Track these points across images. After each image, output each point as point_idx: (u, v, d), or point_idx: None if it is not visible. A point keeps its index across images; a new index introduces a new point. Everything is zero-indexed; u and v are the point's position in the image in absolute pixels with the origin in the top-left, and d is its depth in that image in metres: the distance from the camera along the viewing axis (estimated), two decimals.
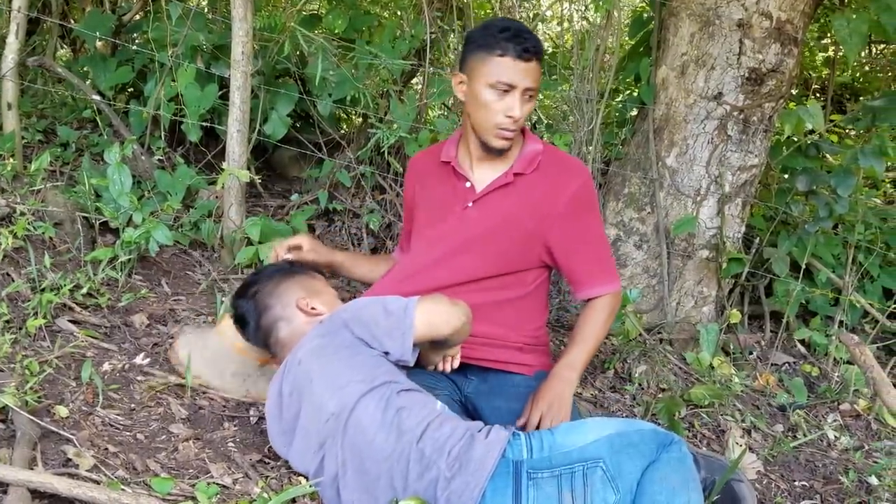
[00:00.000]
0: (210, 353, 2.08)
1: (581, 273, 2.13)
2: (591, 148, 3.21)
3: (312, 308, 1.88)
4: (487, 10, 4.35)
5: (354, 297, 2.47)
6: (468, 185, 2.10)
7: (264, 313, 1.88)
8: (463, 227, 2.08)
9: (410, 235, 2.28)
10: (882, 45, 4.99)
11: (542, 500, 1.52)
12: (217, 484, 1.64)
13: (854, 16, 2.87)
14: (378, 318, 1.74)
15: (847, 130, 4.42)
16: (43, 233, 2.41)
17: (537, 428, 1.92)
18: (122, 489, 1.49)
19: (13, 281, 2.17)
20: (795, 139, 3.22)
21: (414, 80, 3.90)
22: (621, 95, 3.85)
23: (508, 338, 2.10)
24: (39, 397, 1.75)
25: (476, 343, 2.03)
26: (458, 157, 2.13)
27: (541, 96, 4.61)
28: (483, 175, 2.10)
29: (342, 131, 3.78)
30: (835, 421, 2.75)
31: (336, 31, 3.25)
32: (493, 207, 2.08)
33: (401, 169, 3.26)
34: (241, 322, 1.94)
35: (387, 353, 1.72)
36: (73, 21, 3.88)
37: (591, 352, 2.13)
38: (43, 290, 2.16)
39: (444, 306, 1.78)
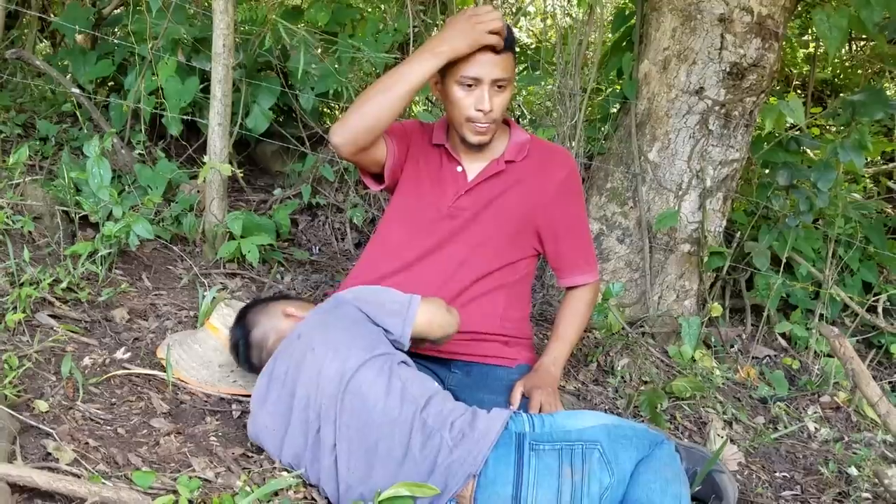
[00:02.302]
0: (198, 345, 2.07)
1: (566, 260, 2.20)
2: (574, 143, 3.22)
3: (299, 317, 1.90)
4: (470, 4, 4.35)
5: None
6: (459, 169, 2.11)
7: (254, 329, 1.91)
8: (457, 215, 2.09)
9: (396, 135, 2.11)
10: (862, 42, 5.04)
11: (543, 470, 1.58)
12: (199, 478, 1.63)
13: (834, 11, 2.89)
14: (383, 301, 1.80)
15: (827, 126, 4.46)
16: (22, 227, 2.38)
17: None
18: (103, 483, 1.48)
19: None
20: (776, 134, 3.24)
21: None
22: (604, 91, 3.86)
23: (494, 328, 2.11)
24: (19, 391, 1.73)
25: (463, 337, 2.04)
26: (448, 143, 2.13)
27: (524, 92, 4.63)
28: (473, 163, 2.11)
29: (325, 125, 3.77)
30: (815, 413, 2.77)
31: (318, 25, 3.24)
32: (485, 195, 2.09)
33: None
34: (235, 348, 1.96)
35: (387, 332, 1.77)
36: (52, 14, 3.84)
37: (573, 345, 2.22)
38: (22, 284, 2.14)
39: (443, 313, 1.85)
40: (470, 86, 1.93)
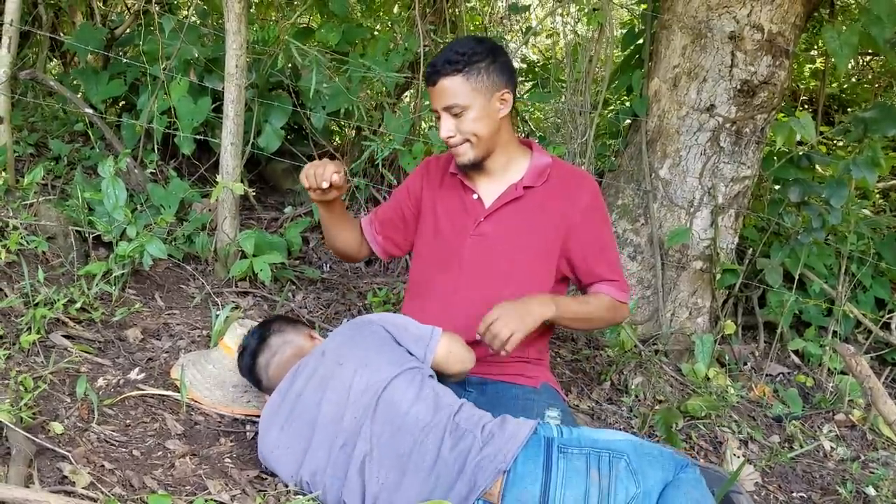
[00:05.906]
0: (212, 364, 2.07)
1: (597, 278, 2.13)
2: (584, 160, 3.21)
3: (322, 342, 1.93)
4: (479, 23, 4.37)
5: None
6: (476, 197, 2.11)
7: (276, 334, 1.92)
8: (480, 242, 2.08)
9: (385, 222, 2.28)
10: (869, 57, 5.04)
11: (571, 472, 1.59)
12: (215, 500, 1.62)
13: (844, 28, 2.89)
14: (407, 326, 1.87)
15: (835, 142, 4.46)
16: (36, 247, 2.39)
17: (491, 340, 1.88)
18: None
19: (6, 296, 2.15)
20: (787, 150, 3.24)
21: (407, 93, 3.90)
22: (613, 107, 3.87)
23: (517, 351, 2.08)
24: (34, 413, 1.73)
25: (487, 358, 2.03)
26: (460, 172, 2.14)
27: (530, 108, 4.64)
28: (488, 188, 2.10)
29: (336, 144, 3.78)
30: (830, 431, 2.75)
31: (329, 45, 3.25)
32: (507, 224, 2.07)
33: (395, 181, 3.25)
34: (245, 346, 1.95)
35: (410, 354, 1.82)
36: (63, 34, 3.87)
37: (577, 317, 2.09)
38: (36, 304, 2.14)
39: (461, 347, 1.90)
40: (438, 116, 2.03)
